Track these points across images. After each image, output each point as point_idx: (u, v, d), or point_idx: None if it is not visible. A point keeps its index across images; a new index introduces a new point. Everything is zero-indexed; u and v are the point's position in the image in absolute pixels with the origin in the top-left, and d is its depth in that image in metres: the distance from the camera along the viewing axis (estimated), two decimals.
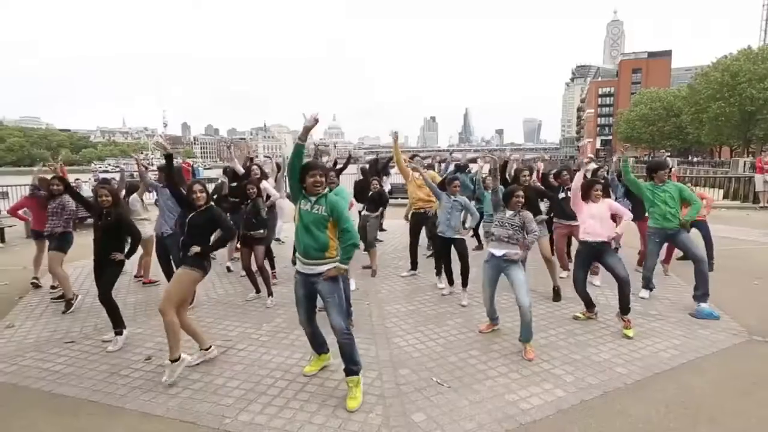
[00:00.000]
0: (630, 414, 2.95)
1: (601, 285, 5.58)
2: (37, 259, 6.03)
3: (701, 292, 4.74)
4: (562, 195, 5.73)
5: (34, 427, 2.92)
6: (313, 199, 3.05)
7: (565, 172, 5.85)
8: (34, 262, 6.03)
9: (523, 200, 3.95)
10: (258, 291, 5.36)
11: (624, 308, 4.24)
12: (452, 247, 5.20)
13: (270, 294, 5.20)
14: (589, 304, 4.58)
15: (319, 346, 3.49)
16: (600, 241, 4.31)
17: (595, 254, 4.40)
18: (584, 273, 4.53)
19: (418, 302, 5.20)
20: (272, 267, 6.11)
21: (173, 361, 3.37)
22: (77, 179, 12.25)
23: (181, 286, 3.48)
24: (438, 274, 5.72)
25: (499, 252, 3.92)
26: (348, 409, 2.99)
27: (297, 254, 3.19)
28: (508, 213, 3.96)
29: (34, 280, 5.92)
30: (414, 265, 6.40)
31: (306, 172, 3.03)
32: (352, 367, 3.11)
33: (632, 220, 6.27)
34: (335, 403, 3.08)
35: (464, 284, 5.16)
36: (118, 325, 4.09)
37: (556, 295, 5.23)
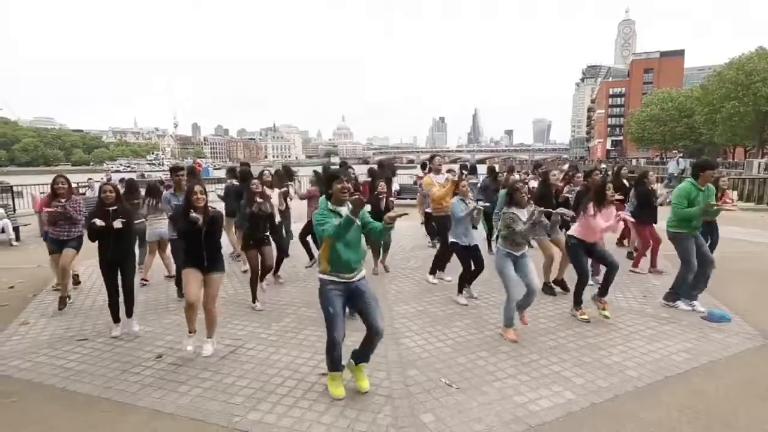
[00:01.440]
0: (641, 418, 2.91)
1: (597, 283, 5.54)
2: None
3: (697, 291, 4.84)
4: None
5: (47, 423, 2.96)
6: (344, 212, 3.06)
7: (597, 171, 5.79)
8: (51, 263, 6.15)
9: (527, 193, 3.99)
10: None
11: (604, 291, 4.62)
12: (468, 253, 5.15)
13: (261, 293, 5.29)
14: (580, 302, 4.72)
15: (341, 359, 3.27)
16: (594, 242, 4.70)
17: (587, 249, 4.68)
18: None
19: (427, 303, 5.19)
20: (275, 272, 6.06)
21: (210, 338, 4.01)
22: (90, 179, 12.44)
23: (218, 288, 4.07)
24: (462, 288, 5.26)
25: (518, 252, 4.11)
26: (362, 389, 3.20)
27: (337, 272, 3.08)
28: (521, 220, 3.97)
29: (75, 274, 5.98)
30: (442, 267, 6.10)
31: (331, 180, 3.11)
32: (365, 360, 3.29)
33: (637, 222, 6.26)
34: (343, 403, 3.08)
35: (469, 284, 5.30)
36: (131, 313, 4.43)
37: (564, 287, 5.43)
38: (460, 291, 5.22)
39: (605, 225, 4.52)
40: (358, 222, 3.02)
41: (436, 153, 7.07)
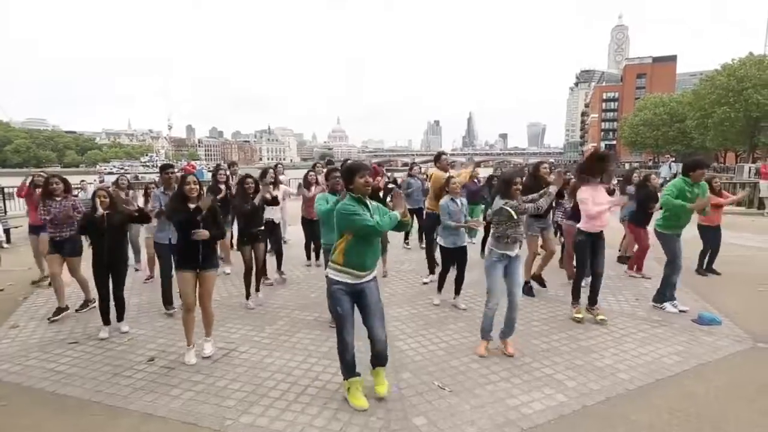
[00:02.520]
0: (632, 420, 2.93)
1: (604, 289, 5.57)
2: (37, 255, 6.20)
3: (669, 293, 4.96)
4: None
5: (38, 427, 2.94)
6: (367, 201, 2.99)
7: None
8: (37, 258, 6.16)
9: (521, 187, 3.91)
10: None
11: (593, 300, 4.71)
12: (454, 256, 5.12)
13: (257, 290, 5.33)
14: (578, 297, 4.77)
15: (355, 364, 3.14)
16: (600, 231, 4.55)
17: (592, 243, 4.56)
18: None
19: (421, 306, 5.20)
20: (278, 268, 6.21)
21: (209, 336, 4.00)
22: (82, 180, 12.31)
23: (213, 285, 4.02)
24: (440, 288, 5.30)
25: (513, 252, 3.87)
26: (378, 394, 3.13)
27: (349, 268, 2.99)
28: (510, 206, 3.79)
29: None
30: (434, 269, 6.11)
31: (355, 172, 2.93)
32: (380, 364, 3.18)
33: (633, 224, 6.34)
34: (336, 406, 3.08)
35: (456, 293, 5.21)
36: (122, 318, 4.50)
37: (541, 283, 5.58)
38: (439, 290, 5.28)
39: (605, 200, 4.50)
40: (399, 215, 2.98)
41: (443, 152, 7.10)
